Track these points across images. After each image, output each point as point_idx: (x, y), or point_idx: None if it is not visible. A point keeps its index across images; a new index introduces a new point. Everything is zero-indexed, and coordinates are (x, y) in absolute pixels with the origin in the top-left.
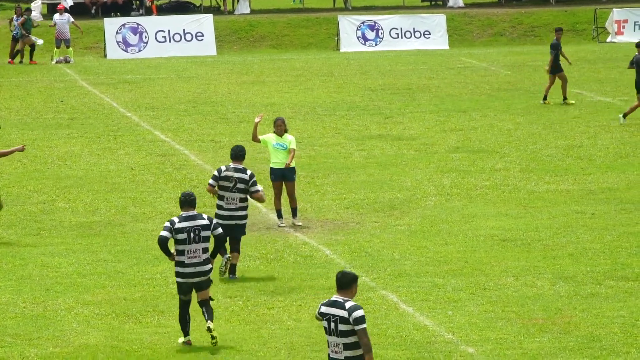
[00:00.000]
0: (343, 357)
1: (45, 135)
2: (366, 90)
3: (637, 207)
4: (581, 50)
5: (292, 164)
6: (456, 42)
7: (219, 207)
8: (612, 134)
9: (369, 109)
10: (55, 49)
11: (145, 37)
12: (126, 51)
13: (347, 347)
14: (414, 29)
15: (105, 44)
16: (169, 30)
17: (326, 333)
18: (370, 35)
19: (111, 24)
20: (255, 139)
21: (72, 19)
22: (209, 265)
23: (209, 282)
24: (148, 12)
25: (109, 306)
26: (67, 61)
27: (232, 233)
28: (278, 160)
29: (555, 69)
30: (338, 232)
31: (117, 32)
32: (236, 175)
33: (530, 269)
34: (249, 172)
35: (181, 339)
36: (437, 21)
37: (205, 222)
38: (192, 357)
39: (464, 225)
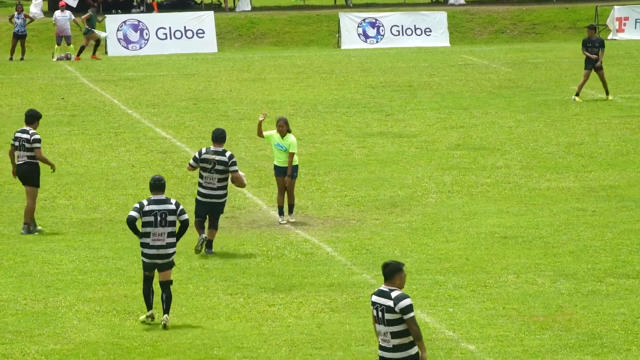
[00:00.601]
0: (391, 346)
1: (46, 132)
2: (367, 88)
3: (638, 204)
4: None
5: (295, 162)
6: (457, 39)
7: (200, 185)
8: (613, 131)
9: (370, 107)
10: (56, 46)
11: (146, 34)
12: (127, 48)
13: (394, 335)
14: (415, 26)
15: (106, 41)
16: (169, 28)
17: (375, 322)
18: (371, 32)
19: (112, 21)
20: (260, 135)
21: (72, 17)
22: (172, 249)
23: (170, 264)
24: (149, 9)
25: (109, 303)
26: (67, 58)
27: (210, 211)
28: (279, 160)
29: (588, 64)
30: (339, 229)
31: (118, 29)
32: (215, 157)
33: (531, 267)
34: (228, 153)
35: (143, 316)
36: (438, 18)
37: (172, 207)
38: (193, 354)
39: (464, 222)
